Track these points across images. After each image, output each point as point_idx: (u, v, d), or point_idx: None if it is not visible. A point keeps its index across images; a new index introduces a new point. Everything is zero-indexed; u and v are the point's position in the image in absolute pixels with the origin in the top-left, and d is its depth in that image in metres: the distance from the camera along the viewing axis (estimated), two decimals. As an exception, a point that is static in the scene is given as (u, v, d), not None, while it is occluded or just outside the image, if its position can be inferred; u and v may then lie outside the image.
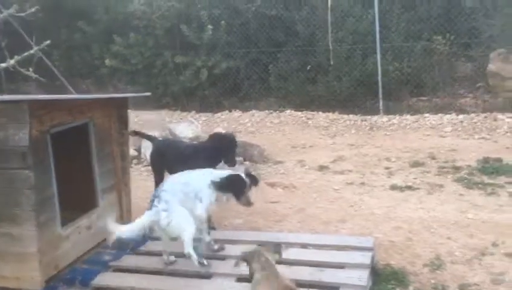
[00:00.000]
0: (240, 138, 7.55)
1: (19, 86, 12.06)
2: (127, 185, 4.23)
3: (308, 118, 9.09)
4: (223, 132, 6.63)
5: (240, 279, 3.35)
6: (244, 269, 3.41)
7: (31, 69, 6.48)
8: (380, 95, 8.84)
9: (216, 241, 3.91)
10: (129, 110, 11.24)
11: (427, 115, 8.40)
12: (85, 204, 3.90)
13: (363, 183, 5.67)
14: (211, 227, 4.11)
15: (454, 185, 5.42)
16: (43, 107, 3.30)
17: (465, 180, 5.48)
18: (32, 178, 3.08)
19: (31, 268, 3.18)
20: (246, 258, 2.98)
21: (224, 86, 10.22)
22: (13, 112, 3.06)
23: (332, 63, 9.19)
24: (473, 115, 8.12)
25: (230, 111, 9.92)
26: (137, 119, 10.23)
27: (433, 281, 3.54)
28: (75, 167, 3.93)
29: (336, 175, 6.06)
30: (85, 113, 3.76)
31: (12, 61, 5.90)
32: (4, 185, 3.13)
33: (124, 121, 4.16)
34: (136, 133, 5.01)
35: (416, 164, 6.21)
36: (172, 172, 4.42)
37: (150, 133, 7.53)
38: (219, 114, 9.84)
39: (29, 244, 3.15)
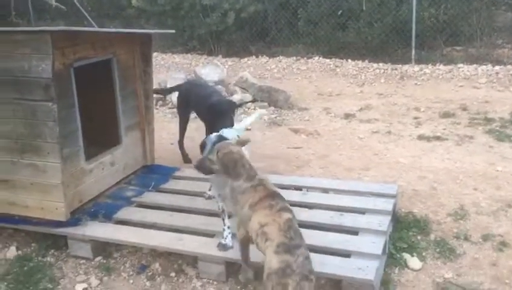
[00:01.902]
0: (266, 84, 7.46)
1: (47, 23, 12.08)
2: (150, 124, 4.22)
3: (336, 66, 8.86)
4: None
5: (260, 219, 3.35)
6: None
7: None
8: (413, 44, 8.50)
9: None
10: (156, 53, 11.19)
11: (461, 65, 8.08)
12: (109, 141, 3.92)
13: (389, 132, 5.54)
14: None
15: (485, 136, 5.24)
16: (66, 40, 3.25)
17: (496, 133, 5.30)
18: (55, 111, 3.08)
19: (56, 199, 3.24)
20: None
21: (251, 30, 9.99)
22: (36, 42, 3.02)
23: (364, 8, 8.82)
24: (510, 66, 7.80)
25: (257, 56, 9.75)
26: (163, 62, 10.24)
27: (455, 230, 3.48)
28: (99, 103, 3.92)
29: (362, 124, 5.94)
30: (108, 49, 3.71)
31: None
32: (28, 116, 3.14)
33: (147, 59, 4.09)
34: (157, 92, 4.97)
35: (446, 115, 6.02)
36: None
37: (176, 76, 7.60)
38: (245, 59, 9.69)
39: (53, 176, 3.19)
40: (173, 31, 4.33)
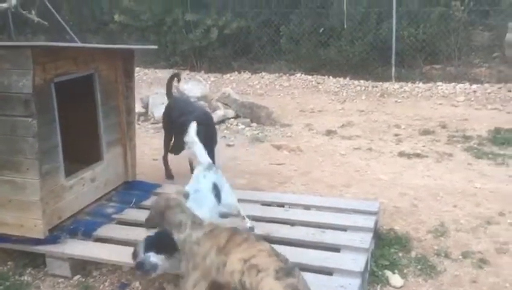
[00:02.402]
0: (248, 100, 7.50)
1: (28, 38, 11.97)
2: (132, 140, 4.19)
3: (318, 83, 8.95)
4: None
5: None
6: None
7: (33, 12, 6.35)
8: (393, 62, 8.65)
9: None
10: (138, 68, 11.15)
11: (440, 83, 8.23)
12: (89, 157, 3.88)
13: (370, 149, 5.60)
14: None
15: (464, 154, 5.33)
16: (47, 55, 3.22)
17: (475, 150, 5.39)
18: (35, 126, 3.04)
19: (34, 216, 3.18)
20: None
21: (234, 46, 10.05)
22: (16, 58, 2.99)
23: (346, 26, 8.97)
24: (487, 85, 7.95)
25: (239, 72, 9.79)
26: (146, 77, 10.22)
27: (436, 247, 3.51)
28: (80, 119, 3.89)
29: (344, 140, 6.00)
30: (90, 64, 3.69)
31: (14, 1, 5.74)
32: (7, 132, 3.10)
33: (129, 74, 4.08)
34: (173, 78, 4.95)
35: (426, 132, 6.12)
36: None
37: (158, 91, 7.58)
38: (228, 75, 9.73)
39: (32, 193, 3.14)
40: (155, 46, 4.33)
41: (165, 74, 10.24)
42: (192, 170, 4.39)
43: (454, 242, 3.57)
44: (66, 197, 3.50)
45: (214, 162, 4.45)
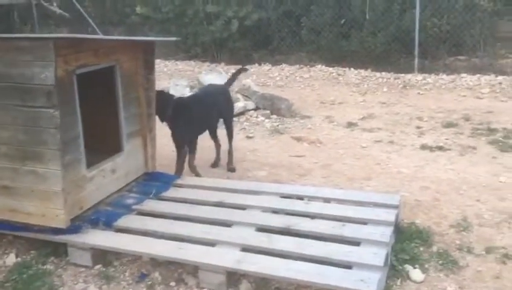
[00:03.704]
0: (269, 91, 7.47)
1: (51, 30, 12.14)
2: (152, 131, 4.21)
3: (339, 74, 8.87)
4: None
5: (261, 229, 3.34)
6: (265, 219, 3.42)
7: (54, 4, 6.42)
8: (416, 53, 8.51)
9: (238, 191, 3.92)
10: (159, 60, 11.23)
11: (464, 75, 8.07)
12: (110, 148, 3.91)
13: (391, 142, 5.52)
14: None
15: (488, 147, 5.22)
16: (69, 47, 3.24)
17: (500, 143, 5.27)
18: (57, 117, 3.07)
19: (56, 206, 3.22)
20: None
21: (254, 38, 10.02)
22: (39, 49, 3.01)
23: (367, 17, 8.85)
24: (513, 76, 7.77)
25: (259, 64, 9.76)
26: (166, 69, 10.26)
27: (458, 242, 3.44)
28: (101, 110, 3.92)
29: (365, 133, 5.93)
30: (111, 56, 3.70)
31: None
32: (30, 123, 3.14)
33: (150, 66, 4.08)
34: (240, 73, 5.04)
35: (449, 125, 6.01)
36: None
37: (178, 82, 7.61)
38: (248, 66, 9.65)
39: (54, 183, 3.18)
40: (176, 38, 4.32)
41: (184, 65, 10.29)
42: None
43: (477, 237, 3.50)
44: (87, 187, 3.53)
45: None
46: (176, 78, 9.05)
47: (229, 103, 4.88)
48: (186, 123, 4.35)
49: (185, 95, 4.89)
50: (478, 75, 7.99)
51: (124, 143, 3.95)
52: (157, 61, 10.71)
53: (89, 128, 3.64)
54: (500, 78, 7.80)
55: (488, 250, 3.33)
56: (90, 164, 3.63)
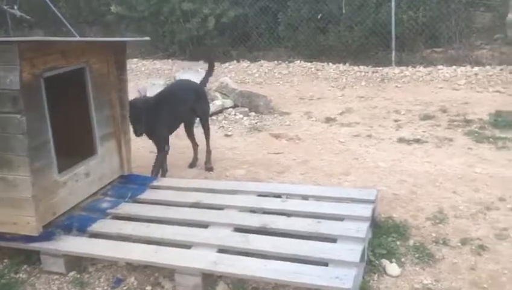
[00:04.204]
0: (247, 88, 7.43)
1: (25, 34, 11.91)
2: (126, 133, 4.14)
3: (317, 69, 8.86)
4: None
5: (238, 229, 3.31)
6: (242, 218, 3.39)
7: (15, 7, 6.29)
8: (393, 46, 8.53)
9: (215, 191, 3.88)
10: (136, 59, 11.08)
11: (440, 67, 8.13)
12: (84, 151, 3.84)
13: (369, 136, 5.54)
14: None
15: (464, 138, 5.26)
16: (35, 50, 3.16)
17: (476, 134, 5.32)
18: (24, 123, 3.00)
19: (28, 213, 3.15)
20: None
21: (232, 35, 9.96)
22: (3, 53, 2.94)
23: (344, 11, 8.85)
24: (488, 67, 7.84)
25: (238, 61, 9.71)
26: (144, 68, 10.15)
27: (434, 234, 3.46)
28: (73, 113, 3.85)
29: (343, 127, 5.93)
30: (80, 58, 3.63)
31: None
32: (-3, 129, 3.06)
33: (122, 67, 4.02)
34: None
35: (426, 117, 6.04)
36: None
37: (155, 82, 7.54)
38: (227, 64, 9.64)
39: (24, 190, 3.10)
40: (149, 38, 4.25)
41: (162, 64, 10.20)
42: None
43: (453, 229, 3.52)
44: (59, 193, 3.46)
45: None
46: (154, 77, 8.98)
47: (203, 100, 4.82)
48: (161, 122, 4.28)
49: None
50: (454, 66, 8.05)
51: (97, 146, 3.89)
52: (134, 60, 10.71)
53: (63, 132, 3.57)
54: (476, 69, 7.87)
55: (464, 241, 3.35)
56: (63, 168, 3.56)
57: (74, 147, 3.78)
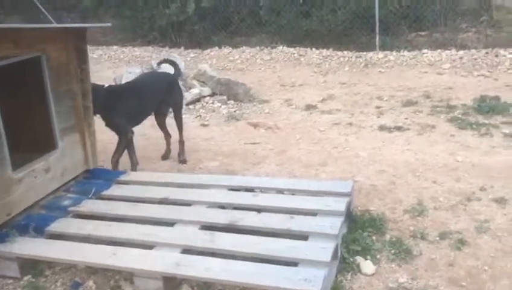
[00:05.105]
0: (228, 75, 7.21)
1: (1, 19, 11.55)
2: (90, 126, 3.92)
3: (300, 55, 8.64)
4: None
5: (205, 227, 3.13)
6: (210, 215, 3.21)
7: None
8: (377, 30, 8.33)
9: (185, 185, 3.69)
10: (116, 46, 10.75)
11: (425, 51, 7.95)
12: (43, 146, 3.62)
13: (350, 124, 5.35)
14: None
15: (447, 125, 5.10)
16: (-21, 38, 2.93)
17: (459, 121, 5.15)
18: (-32, 118, 2.78)
19: (-22, 214, 2.95)
20: None
21: (213, 20, 9.68)
22: None
23: (327, -6, 8.61)
24: (473, 50, 7.69)
25: (220, 47, 9.45)
26: (123, 55, 9.87)
27: (412, 228, 3.30)
28: (32, 105, 3.62)
29: (324, 115, 5.74)
30: (35, 46, 3.39)
31: None
32: None
33: (83, 56, 3.77)
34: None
35: (408, 103, 5.87)
36: None
37: (131, 70, 7.27)
38: (208, 50, 9.39)
39: (-28, 189, 2.90)
40: (109, 24, 3.99)
41: (142, 51, 9.91)
42: None
43: (431, 222, 3.36)
44: (15, 191, 3.24)
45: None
46: (133, 65, 8.70)
47: (175, 91, 4.59)
48: (119, 111, 4.06)
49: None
50: (439, 50, 7.87)
51: (57, 140, 3.66)
52: (114, 48, 10.40)
53: (22, 126, 3.35)
54: (461, 52, 7.71)
55: (443, 235, 3.19)
56: (20, 165, 3.34)
57: (34, 141, 3.57)
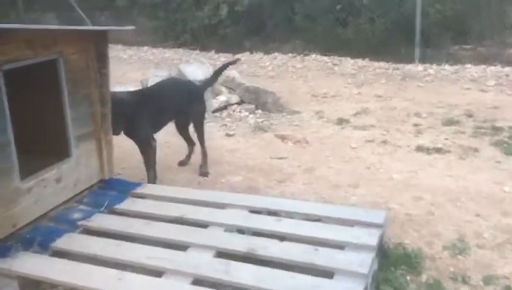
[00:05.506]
0: (258, 82, 6.94)
1: (38, 16, 11.64)
2: (108, 134, 3.71)
3: (334, 64, 8.29)
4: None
5: (220, 253, 2.85)
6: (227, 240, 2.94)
7: None
8: (417, 41, 7.90)
9: (202, 203, 3.43)
10: (146, 47, 10.65)
11: (468, 65, 7.48)
12: (55, 153, 3.42)
13: (385, 142, 4.99)
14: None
15: (492, 149, 4.67)
16: (-10, 39, 2.74)
17: (505, 145, 4.72)
18: (-26, 124, 2.59)
19: (-19, 226, 2.76)
20: None
21: (246, 24, 9.44)
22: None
23: (365, 2, 8.23)
24: (521, 68, 7.18)
25: (251, 53, 9.20)
26: (153, 57, 9.74)
27: (452, 268, 2.94)
28: (44, 110, 3.43)
29: (356, 130, 5.39)
30: (51, 48, 3.19)
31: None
32: None
33: (103, 59, 3.56)
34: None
35: (449, 122, 5.46)
36: None
37: (158, 73, 7.08)
38: (239, 55, 9.13)
39: (-24, 199, 2.71)
40: (133, 27, 3.77)
41: (172, 53, 9.76)
42: None
43: (474, 262, 2.99)
44: (21, 201, 3.05)
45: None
46: (162, 67, 8.55)
47: (196, 102, 4.31)
48: (140, 120, 3.84)
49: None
50: (483, 65, 7.40)
51: (71, 147, 3.46)
52: (144, 48, 10.29)
53: (32, 131, 3.16)
54: (507, 69, 7.21)
55: (487, 280, 2.82)
56: (29, 173, 3.15)
57: (46, 148, 3.38)
